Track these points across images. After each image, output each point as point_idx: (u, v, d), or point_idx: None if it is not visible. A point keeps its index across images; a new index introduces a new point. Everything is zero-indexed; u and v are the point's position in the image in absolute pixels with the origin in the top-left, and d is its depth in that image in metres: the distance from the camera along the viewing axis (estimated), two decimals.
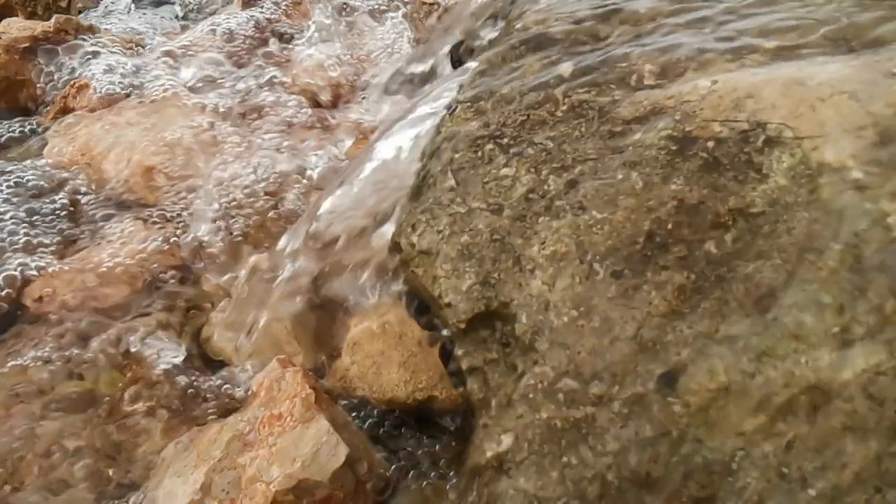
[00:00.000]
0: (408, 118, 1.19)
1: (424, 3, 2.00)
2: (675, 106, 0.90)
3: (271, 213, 1.37)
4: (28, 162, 1.49)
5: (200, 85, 1.70)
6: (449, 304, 0.92)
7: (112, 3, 2.28)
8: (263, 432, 0.90)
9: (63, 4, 2.20)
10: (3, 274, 1.22)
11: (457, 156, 1.00)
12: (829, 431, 0.69)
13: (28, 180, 1.42)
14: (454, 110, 1.06)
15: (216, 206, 1.36)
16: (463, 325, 0.91)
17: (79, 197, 1.42)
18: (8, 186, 1.40)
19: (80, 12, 2.24)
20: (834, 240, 0.74)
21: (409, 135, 1.14)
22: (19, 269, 1.23)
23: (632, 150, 0.89)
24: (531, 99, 1.01)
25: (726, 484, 0.71)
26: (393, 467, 0.97)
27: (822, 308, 0.72)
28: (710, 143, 0.85)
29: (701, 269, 0.79)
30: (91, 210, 1.39)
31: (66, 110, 1.65)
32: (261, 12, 1.95)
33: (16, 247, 1.28)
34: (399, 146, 1.14)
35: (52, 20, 1.78)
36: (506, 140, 0.98)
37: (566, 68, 1.02)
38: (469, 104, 1.05)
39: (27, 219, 1.34)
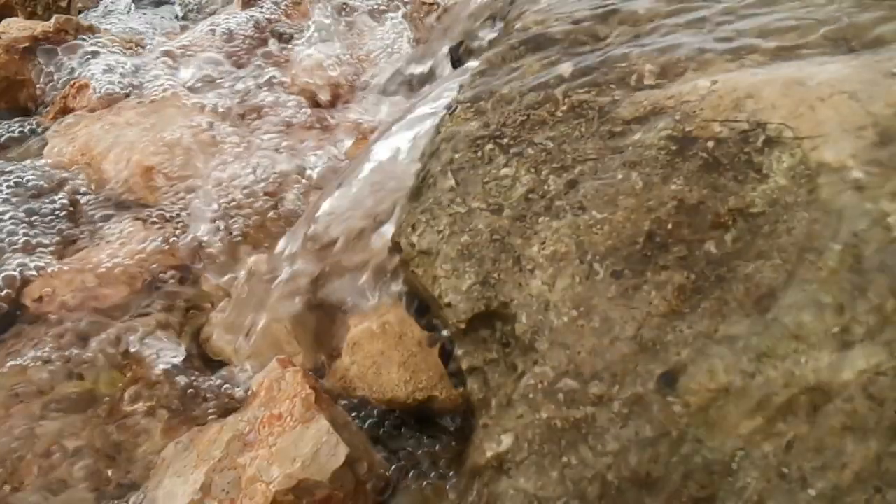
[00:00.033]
0: (407, 118, 1.19)
1: (424, 3, 2.00)
2: (675, 106, 0.90)
3: (271, 214, 1.37)
4: (28, 162, 1.49)
5: (200, 85, 1.70)
6: (449, 304, 0.92)
7: (112, 3, 2.28)
8: (263, 432, 0.89)
9: (63, 4, 2.20)
10: (3, 274, 1.22)
11: (457, 156, 1.00)
12: (829, 431, 0.69)
13: (28, 180, 1.42)
14: (454, 110, 1.06)
15: (215, 206, 1.36)
16: (463, 325, 0.91)
17: (78, 197, 1.42)
18: (8, 186, 1.40)
19: (80, 12, 2.24)
20: (834, 240, 0.74)
21: (408, 136, 1.14)
22: (19, 269, 1.23)
23: (632, 150, 0.89)
24: (531, 99, 1.01)
25: (726, 484, 0.71)
26: (393, 467, 0.97)
27: (822, 308, 0.72)
28: (710, 143, 0.85)
29: (701, 269, 0.79)
30: (90, 210, 1.39)
31: (65, 110, 1.65)
32: (260, 12, 1.95)
33: (15, 247, 1.28)
34: (398, 147, 1.14)
35: (52, 20, 1.78)
36: (506, 140, 0.98)
37: (566, 68, 1.02)
38: (469, 104, 1.05)
39: (27, 219, 1.34)
